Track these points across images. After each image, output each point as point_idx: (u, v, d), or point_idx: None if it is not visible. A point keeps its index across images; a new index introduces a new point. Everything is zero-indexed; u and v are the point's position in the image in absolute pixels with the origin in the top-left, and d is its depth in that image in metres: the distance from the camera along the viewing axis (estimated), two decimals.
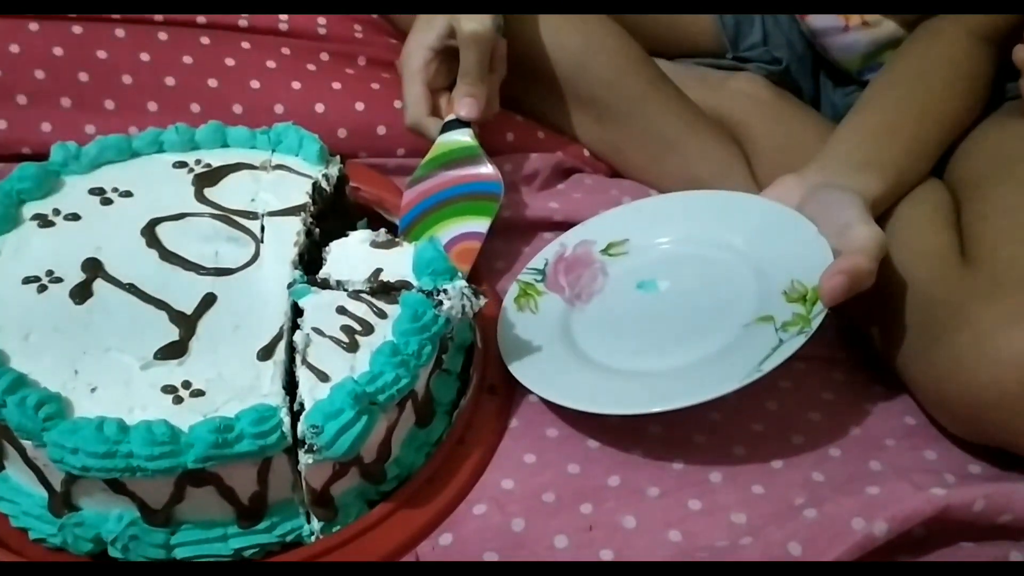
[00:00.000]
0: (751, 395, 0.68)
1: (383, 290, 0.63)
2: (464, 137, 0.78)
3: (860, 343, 0.73)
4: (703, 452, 0.64)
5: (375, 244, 0.66)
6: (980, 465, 0.64)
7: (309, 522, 0.58)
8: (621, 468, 0.63)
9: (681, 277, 0.71)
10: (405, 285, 0.63)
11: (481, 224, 0.74)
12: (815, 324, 0.62)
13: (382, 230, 0.69)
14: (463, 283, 0.62)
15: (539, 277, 0.74)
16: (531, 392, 0.65)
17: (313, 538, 0.58)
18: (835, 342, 0.74)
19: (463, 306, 0.61)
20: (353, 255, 0.65)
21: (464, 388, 0.66)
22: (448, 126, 0.78)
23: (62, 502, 0.56)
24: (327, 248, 0.67)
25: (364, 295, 0.62)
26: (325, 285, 0.63)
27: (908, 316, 0.67)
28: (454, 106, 0.78)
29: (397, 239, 0.67)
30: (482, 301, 0.63)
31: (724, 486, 0.62)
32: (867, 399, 0.69)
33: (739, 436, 0.65)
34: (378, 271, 0.64)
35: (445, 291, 0.61)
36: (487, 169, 0.77)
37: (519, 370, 0.66)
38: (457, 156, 0.78)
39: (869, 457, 0.64)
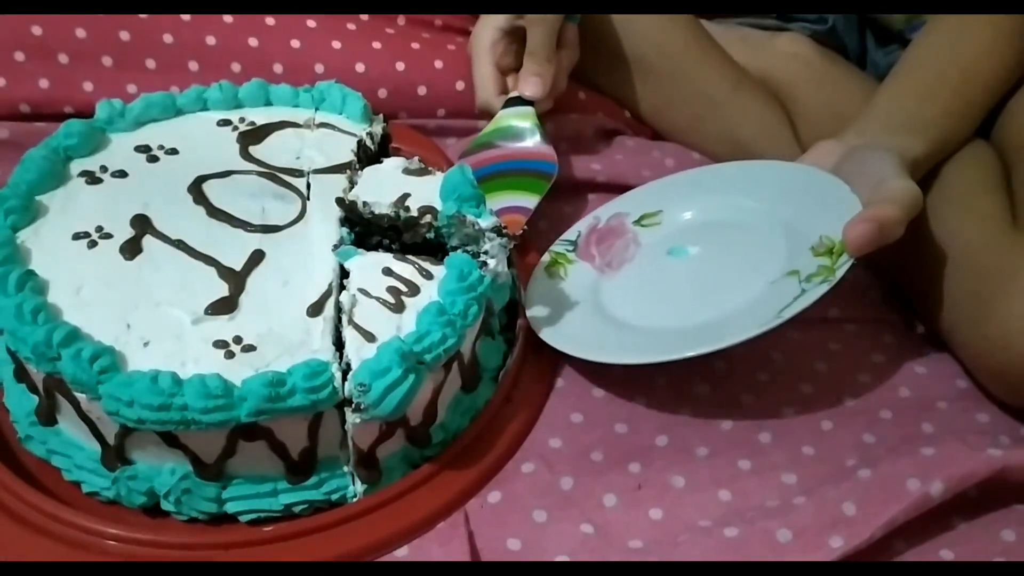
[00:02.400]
0: (799, 356, 0.68)
1: (408, 224, 0.63)
2: (526, 114, 0.77)
3: (910, 305, 0.72)
4: (752, 412, 0.64)
5: (407, 171, 0.66)
6: None
7: (354, 483, 0.58)
8: (669, 428, 0.63)
9: (711, 243, 0.70)
10: (429, 210, 0.63)
11: (530, 200, 0.74)
12: (839, 274, 0.61)
13: (416, 158, 0.69)
14: (494, 221, 0.61)
15: (571, 247, 0.73)
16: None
17: (356, 499, 0.58)
18: (884, 304, 0.73)
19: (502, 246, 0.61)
20: (384, 180, 0.65)
21: (510, 352, 0.66)
22: (511, 102, 0.78)
23: (115, 455, 0.56)
24: (360, 172, 0.67)
25: (410, 257, 0.62)
26: (352, 207, 0.64)
27: (958, 283, 0.66)
28: (519, 84, 0.78)
29: (430, 168, 0.67)
30: (510, 244, 0.62)
31: (774, 446, 0.62)
32: (918, 361, 0.68)
33: (788, 397, 0.65)
34: (405, 195, 0.63)
35: (487, 251, 0.61)
36: (545, 149, 0.77)
37: (544, 329, 0.66)
38: (516, 132, 0.77)
39: (921, 419, 0.63)
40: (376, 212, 0.63)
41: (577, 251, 0.73)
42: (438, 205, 0.63)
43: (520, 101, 0.78)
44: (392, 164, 0.67)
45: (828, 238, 0.64)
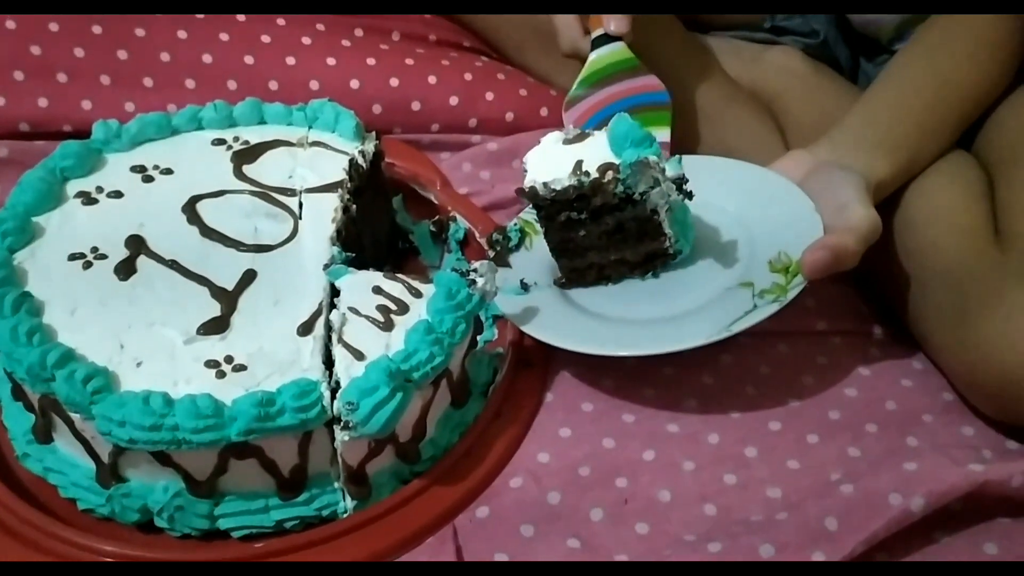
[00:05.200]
0: (787, 369, 0.68)
1: (595, 188, 0.64)
2: (620, 51, 0.78)
3: (897, 318, 0.73)
4: (738, 427, 0.64)
5: (567, 141, 0.68)
6: (1017, 442, 0.64)
7: (344, 499, 0.59)
8: (656, 442, 0.63)
9: None
10: (609, 167, 0.64)
11: (662, 133, 0.75)
12: (791, 295, 0.63)
13: (570, 126, 0.70)
14: (678, 169, 0.64)
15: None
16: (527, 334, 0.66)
17: (346, 515, 0.59)
18: (871, 317, 0.74)
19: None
20: (549, 157, 0.67)
21: (499, 367, 0.66)
22: (597, 42, 0.78)
23: (110, 473, 0.57)
24: (525, 159, 0.68)
25: (400, 276, 0.63)
26: (534, 195, 0.65)
27: (940, 298, 0.67)
28: (604, 21, 0.77)
29: (588, 131, 0.69)
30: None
31: (759, 461, 0.62)
32: (903, 375, 0.69)
33: (775, 410, 0.65)
34: (579, 162, 0.65)
35: (475, 270, 0.62)
36: (651, 80, 0.78)
37: (504, 302, 0.68)
38: (617, 70, 0.78)
39: (906, 433, 0.64)
40: (558, 188, 0.65)
41: None
42: (613, 159, 0.64)
43: (606, 39, 0.77)
44: (550, 139, 0.68)
45: (786, 255, 0.65)
